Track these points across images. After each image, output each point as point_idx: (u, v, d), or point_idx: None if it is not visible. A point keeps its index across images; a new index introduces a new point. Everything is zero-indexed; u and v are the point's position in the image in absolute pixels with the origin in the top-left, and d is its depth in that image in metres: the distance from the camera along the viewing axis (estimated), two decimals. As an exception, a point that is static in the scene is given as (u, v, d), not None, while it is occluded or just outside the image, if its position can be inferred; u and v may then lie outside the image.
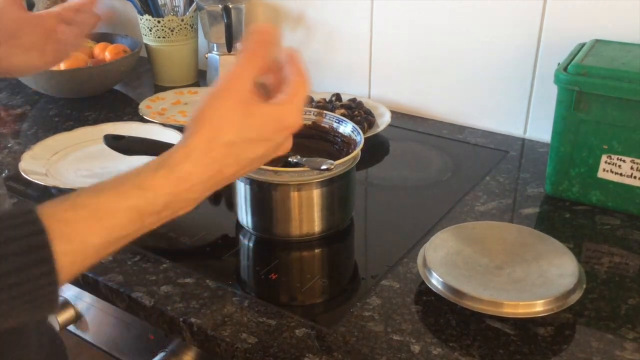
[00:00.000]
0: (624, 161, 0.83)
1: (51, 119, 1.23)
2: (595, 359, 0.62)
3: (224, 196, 0.96)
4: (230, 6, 1.27)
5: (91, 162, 1.01)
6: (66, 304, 0.88)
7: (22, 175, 0.93)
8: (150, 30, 1.35)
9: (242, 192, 0.81)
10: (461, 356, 0.62)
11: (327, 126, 0.87)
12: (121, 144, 0.83)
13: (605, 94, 0.81)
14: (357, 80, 1.27)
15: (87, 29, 0.81)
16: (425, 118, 1.21)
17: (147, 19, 1.34)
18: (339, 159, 0.76)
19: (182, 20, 1.35)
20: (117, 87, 1.39)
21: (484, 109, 1.15)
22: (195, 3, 1.35)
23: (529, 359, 0.62)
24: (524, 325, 0.66)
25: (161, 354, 0.77)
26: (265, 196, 0.79)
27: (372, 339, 0.64)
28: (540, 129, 1.10)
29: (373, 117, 1.12)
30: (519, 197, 0.92)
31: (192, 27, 1.38)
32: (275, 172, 0.76)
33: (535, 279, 0.68)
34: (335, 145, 0.87)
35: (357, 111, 1.10)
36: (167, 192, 0.48)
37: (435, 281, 0.69)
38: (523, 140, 1.11)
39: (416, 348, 0.63)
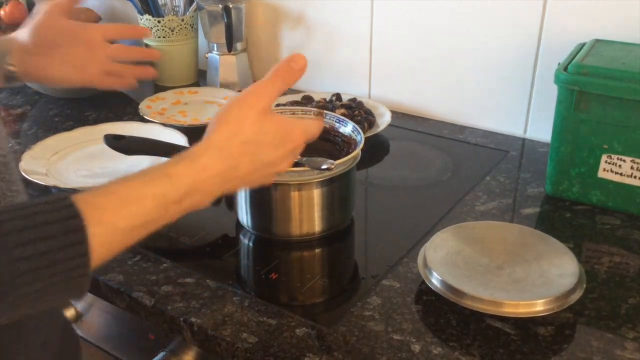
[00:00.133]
0: (624, 161, 0.83)
1: (51, 119, 1.23)
2: (596, 359, 0.62)
3: (224, 196, 0.96)
4: (230, 6, 1.27)
5: (91, 162, 1.01)
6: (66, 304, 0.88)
7: (22, 175, 0.93)
8: (151, 30, 1.35)
9: (242, 192, 0.81)
10: (461, 356, 0.62)
11: (327, 126, 0.87)
12: (121, 144, 0.83)
13: (605, 94, 0.81)
14: (357, 80, 1.27)
15: (133, 77, 0.83)
16: (425, 118, 1.21)
17: (147, 19, 1.34)
18: (339, 158, 0.76)
19: (182, 20, 1.35)
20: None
21: (484, 109, 1.15)
22: (195, 3, 1.35)
23: (529, 358, 0.62)
24: (525, 324, 0.66)
25: (161, 354, 0.77)
26: (265, 196, 0.79)
27: (373, 338, 0.64)
28: (540, 128, 1.10)
29: (373, 117, 1.12)
30: (519, 197, 0.92)
31: (192, 27, 1.38)
32: (276, 171, 0.76)
33: (535, 278, 0.68)
34: (336, 145, 0.87)
35: (357, 111, 1.10)
36: (188, 180, 0.52)
37: (436, 281, 0.69)
38: (523, 140, 1.11)
39: (416, 347, 0.63)
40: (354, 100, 1.16)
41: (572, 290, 0.66)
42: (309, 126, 0.62)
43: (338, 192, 0.81)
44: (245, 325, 0.66)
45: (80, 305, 0.88)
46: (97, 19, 1.52)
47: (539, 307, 0.65)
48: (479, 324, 0.66)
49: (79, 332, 0.91)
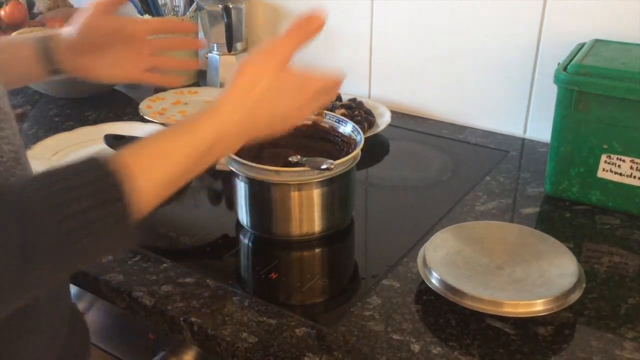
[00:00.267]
0: (623, 161, 0.84)
1: (51, 119, 1.23)
2: (595, 358, 0.62)
3: (224, 196, 0.96)
4: (230, 6, 1.27)
5: (91, 162, 1.01)
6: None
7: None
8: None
9: (242, 192, 0.81)
10: (461, 355, 0.62)
11: (327, 126, 0.87)
12: (121, 144, 0.83)
13: (605, 94, 0.81)
14: (357, 80, 1.27)
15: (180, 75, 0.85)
16: (425, 118, 1.21)
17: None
18: (339, 158, 0.76)
19: (182, 20, 1.35)
20: (117, 87, 1.39)
21: (484, 109, 1.15)
22: (195, 3, 1.35)
23: (529, 358, 0.62)
24: (524, 324, 0.66)
25: (161, 354, 0.77)
26: (265, 196, 0.79)
27: (372, 338, 0.64)
28: (540, 128, 1.10)
29: (373, 117, 1.12)
30: (519, 197, 0.92)
31: (192, 27, 1.38)
32: (275, 171, 0.76)
33: (535, 278, 0.68)
34: (336, 145, 0.87)
35: (357, 111, 1.10)
36: (212, 133, 0.55)
37: (436, 281, 0.69)
38: (523, 140, 1.11)
39: (416, 347, 0.63)
40: (353, 100, 1.16)
41: (571, 290, 0.66)
42: (327, 79, 0.63)
43: (338, 192, 0.81)
44: (245, 325, 0.67)
45: (80, 305, 0.88)
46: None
47: (538, 307, 0.65)
48: (479, 324, 0.66)
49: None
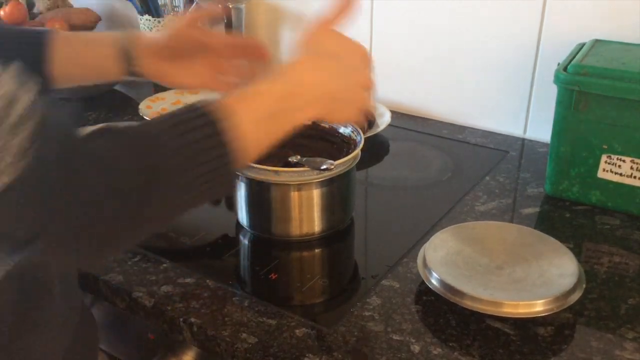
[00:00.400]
0: (623, 161, 0.83)
1: (51, 119, 1.23)
2: (595, 359, 0.62)
3: (224, 196, 0.96)
4: (231, 6, 1.27)
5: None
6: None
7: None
8: (151, 30, 1.35)
9: (242, 192, 0.81)
10: (461, 356, 0.62)
11: (327, 126, 0.87)
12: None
13: (605, 94, 0.81)
14: (357, 80, 1.27)
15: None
16: (425, 118, 1.21)
17: (147, 19, 1.34)
18: (339, 159, 0.76)
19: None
20: (117, 87, 1.39)
21: (484, 109, 1.15)
22: (195, 3, 1.35)
23: (529, 358, 0.62)
24: (524, 325, 0.66)
25: (161, 354, 0.77)
26: (265, 196, 0.79)
27: (372, 338, 0.64)
28: (540, 129, 1.10)
29: (373, 117, 1.12)
30: (519, 197, 0.92)
31: (192, 27, 1.38)
32: (275, 172, 0.76)
33: (535, 278, 0.68)
34: (335, 145, 0.87)
35: (357, 111, 1.10)
36: (280, 88, 0.57)
37: (435, 281, 0.69)
38: (523, 140, 1.11)
39: (416, 348, 0.63)
40: (353, 100, 1.16)
41: (571, 291, 0.66)
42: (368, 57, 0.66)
43: (338, 192, 0.81)
44: (245, 325, 0.67)
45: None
46: (96, 19, 1.52)
47: (538, 307, 0.65)
48: (479, 324, 0.66)
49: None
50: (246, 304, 0.70)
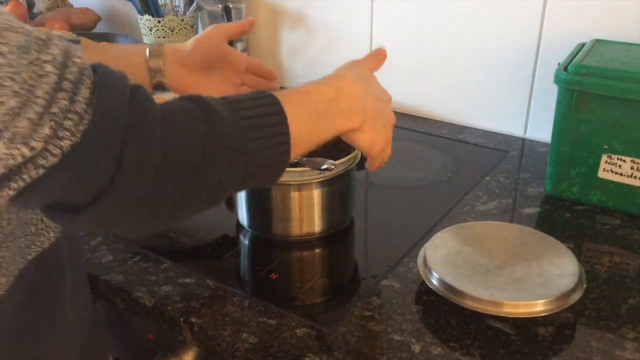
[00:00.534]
0: (624, 161, 0.83)
1: (51, 119, 1.23)
2: (596, 359, 0.62)
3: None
4: (230, 6, 1.27)
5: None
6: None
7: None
8: (151, 30, 1.35)
9: (242, 192, 0.81)
10: (461, 356, 0.62)
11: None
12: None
13: (605, 94, 0.81)
14: (357, 80, 1.27)
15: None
16: (425, 118, 1.21)
17: (147, 19, 1.34)
18: (339, 159, 0.76)
19: (182, 20, 1.35)
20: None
21: (484, 109, 1.15)
22: (195, 3, 1.35)
23: (529, 358, 0.62)
24: (524, 325, 0.66)
25: (161, 354, 0.77)
26: (265, 196, 0.79)
27: (373, 338, 0.64)
28: (540, 128, 1.10)
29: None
30: (519, 197, 0.92)
31: (192, 27, 1.38)
32: (276, 172, 0.76)
33: (535, 278, 0.68)
34: (336, 145, 0.86)
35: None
36: (327, 90, 0.58)
37: (436, 281, 0.69)
38: (523, 140, 1.11)
39: (416, 348, 0.63)
40: (354, 100, 1.16)
41: (572, 291, 0.66)
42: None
43: (338, 192, 0.81)
44: (245, 325, 0.66)
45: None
46: (96, 19, 1.52)
47: (539, 307, 0.65)
48: (479, 324, 0.66)
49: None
50: (246, 304, 0.70)
